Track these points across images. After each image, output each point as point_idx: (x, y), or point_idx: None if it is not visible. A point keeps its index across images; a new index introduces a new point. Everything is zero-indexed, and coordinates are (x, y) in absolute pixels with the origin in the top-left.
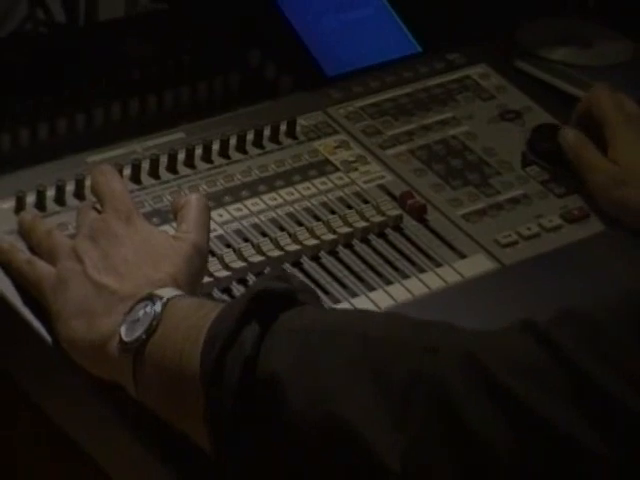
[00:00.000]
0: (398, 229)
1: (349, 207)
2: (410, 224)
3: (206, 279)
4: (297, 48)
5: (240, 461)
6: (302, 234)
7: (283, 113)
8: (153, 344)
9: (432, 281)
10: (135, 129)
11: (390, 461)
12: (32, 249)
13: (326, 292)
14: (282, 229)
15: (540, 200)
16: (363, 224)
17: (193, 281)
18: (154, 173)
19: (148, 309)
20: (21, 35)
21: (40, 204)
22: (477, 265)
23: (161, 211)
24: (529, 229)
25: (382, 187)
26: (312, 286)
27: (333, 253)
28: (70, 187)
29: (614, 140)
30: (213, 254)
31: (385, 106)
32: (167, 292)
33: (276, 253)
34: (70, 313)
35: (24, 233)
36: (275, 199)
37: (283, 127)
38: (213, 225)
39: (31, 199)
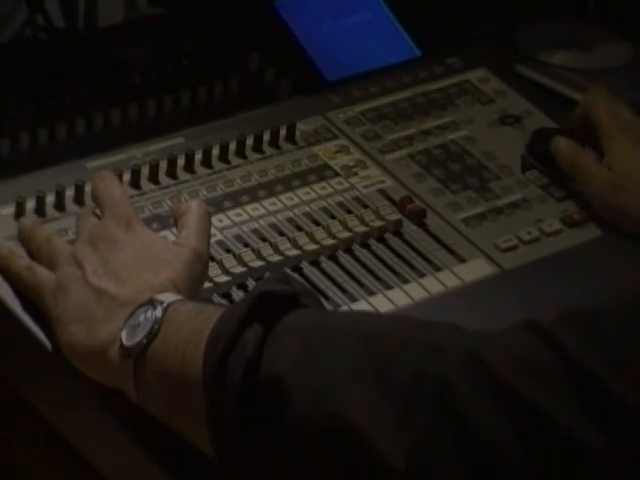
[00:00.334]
0: (398, 234)
1: (349, 212)
2: (410, 229)
3: (206, 284)
4: (296, 53)
5: (242, 464)
6: (302, 239)
7: (283, 118)
8: (154, 349)
9: (432, 286)
10: (135, 134)
11: (394, 461)
12: (32, 255)
13: (326, 297)
14: (282, 234)
15: (540, 204)
16: (363, 229)
17: (193, 287)
18: (154, 178)
19: (149, 314)
20: (20, 40)
21: (40, 210)
22: (477, 269)
23: (161, 216)
24: (529, 233)
25: (382, 192)
26: None
27: (333, 258)
28: (70, 193)
29: (611, 146)
30: (213, 259)
31: (385, 111)
32: (168, 297)
33: (276, 258)
34: (70, 319)
35: (24, 239)
36: (275, 204)
37: (283, 132)
38: (213, 230)
39: (31, 205)
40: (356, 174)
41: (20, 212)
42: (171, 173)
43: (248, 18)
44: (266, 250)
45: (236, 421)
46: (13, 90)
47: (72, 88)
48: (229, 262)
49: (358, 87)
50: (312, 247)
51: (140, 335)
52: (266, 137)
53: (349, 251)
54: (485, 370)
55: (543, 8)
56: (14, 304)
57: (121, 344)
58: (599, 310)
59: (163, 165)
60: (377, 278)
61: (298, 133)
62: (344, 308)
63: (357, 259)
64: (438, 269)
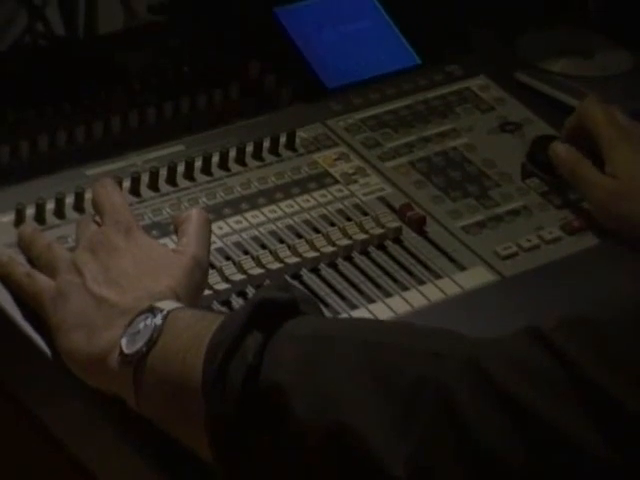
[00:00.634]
0: (398, 241)
1: (349, 219)
2: (410, 236)
3: (206, 292)
4: (297, 60)
5: (242, 471)
6: (302, 246)
7: (283, 125)
8: (154, 356)
9: (432, 293)
10: (135, 142)
11: (394, 468)
12: (32, 262)
13: (326, 304)
14: (282, 241)
15: (540, 212)
16: (363, 236)
17: (193, 294)
18: (154, 186)
19: (149, 321)
20: (21, 47)
21: (39, 217)
22: (477, 277)
23: (161, 224)
24: (529, 241)
25: (382, 199)
26: None
27: (333, 265)
28: (70, 200)
29: (612, 154)
30: (213, 266)
31: (385, 118)
32: (168, 304)
33: (276, 265)
34: (70, 326)
35: (24, 246)
36: (275, 211)
37: (283, 139)
38: (213, 238)
39: (30, 212)
40: (356, 181)
41: (20, 219)
42: (171, 180)
43: (248, 25)
44: (266, 257)
45: (236, 428)
46: (13, 97)
47: (72, 95)
48: (229, 269)
49: (358, 94)
50: (312, 254)
51: (140, 342)
52: (266, 144)
53: (349, 258)
54: (485, 377)
55: (543, 16)
56: (14, 311)
57: (121, 351)
58: (599, 317)
59: (163, 172)
60: (377, 285)
61: (298, 140)
62: (344, 315)
63: (357, 266)
64: (438, 276)
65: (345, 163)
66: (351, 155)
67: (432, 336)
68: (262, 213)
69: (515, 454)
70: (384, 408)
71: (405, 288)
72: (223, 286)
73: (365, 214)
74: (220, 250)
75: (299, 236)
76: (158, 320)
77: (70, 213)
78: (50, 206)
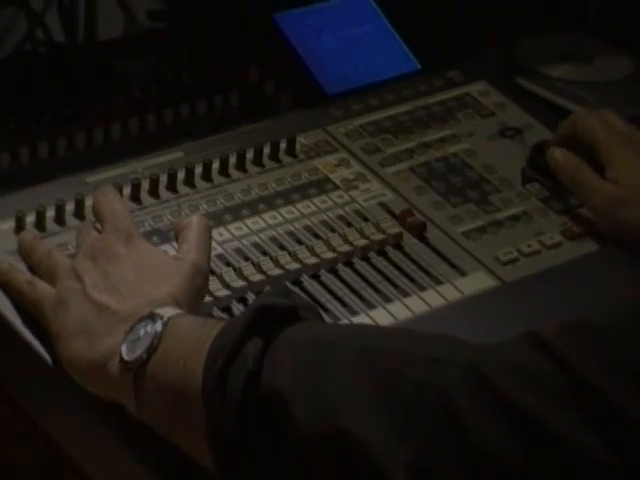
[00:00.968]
0: (398, 247)
1: (349, 225)
2: (410, 242)
3: (206, 298)
4: (297, 66)
5: (243, 477)
6: (302, 252)
7: (283, 131)
8: (154, 363)
9: (432, 299)
10: (135, 148)
11: (394, 473)
12: (32, 269)
13: (326, 310)
14: (282, 248)
15: (540, 217)
16: (363, 242)
17: (193, 301)
18: (154, 192)
19: (149, 328)
20: (21, 54)
21: (40, 224)
22: (477, 282)
23: (161, 230)
24: (529, 246)
25: (382, 205)
26: None
27: (333, 271)
28: (70, 207)
29: (611, 160)
30: (213, 273)
31: (385, 124)
32: (168, 311)
33: (276, 272)
34: (70, 333)
35: (24, 253)
36: (275, 218)
37: (283, 145)
38: (213, 244)
39: (31, 219)
40: (356, 187)
41: (20, 226)
42: (171, 187)
43: (248, 31)
44: (266, 264)
45: (236, 434)
46: (13, 104)
47: (72, 102)
48: (229, 276)
49: (358, 100)
50: (312, 260)
51: (140, 349)
52: (266, 150)
53: (349, 264)
54: (485, 383)
55: (543, 21)
56: (14, 318)
57: (121, 358)
58: (599, 322)
59: (163, 179)
60: (377, 291)
61: (298, 146)
62: (344, 321)
63: (357, 272)
64: (439, 282)
65: (345, 169)
66: (351, 161)
67: (432, 342)
68: (262, 219)
69: (515, 459)
70: (384, 414)
71: (406, 294)
72: (224, 292)
73: (366, 220)
74: (221, 256)
75: (299, 242)
76: (158, 327)
77: (70, 220)
78: (50, 213)
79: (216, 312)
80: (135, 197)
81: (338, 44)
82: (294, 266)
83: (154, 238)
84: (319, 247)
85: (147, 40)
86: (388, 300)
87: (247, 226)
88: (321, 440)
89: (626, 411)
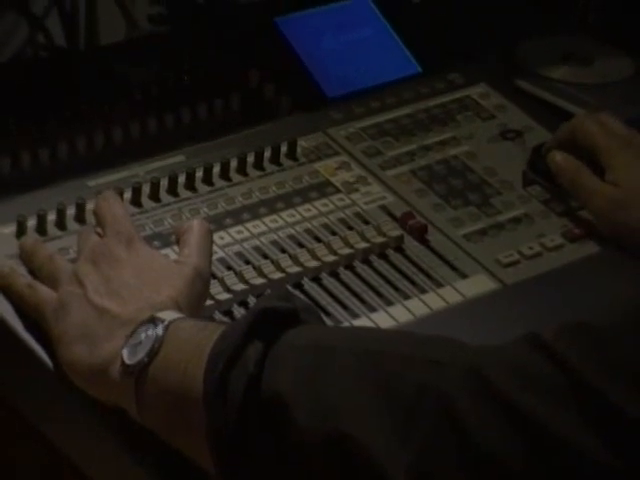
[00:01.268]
0: (399, 250)
1: (350, 228)
2: (411, 244)
3: (207, 302)
4: (297, 69)
5: None
6: (303, 256)
7: (283, 135)
8: (156, 367)
9: (433, 301)
10: (136, 152)
11: (395, 476)
12: (33, 273)
13: (327, 313)
14: (283, 251)
15: (541, 219)
16: (364, 245)
17: (194, 305)
18: (155, 196)
19: (150, 332)
20: (22, 59)
21: (41, 228)
22: (478, 285)
23: (162, 234)
24: (530, 248)
25: (383, 208)
26: None
27: (334, 274)
28: (71, 211)
29: (612, 163)
30: (214, 276)
31: (386, 127)
32: (169, 315)
33: (277, 275)
34: (71, 337)
35: (25, 257)
36: (276, 221)
37: (284, 149)
38: (214, 247)
39: (32, 223)
40: (357, 190)
41: (21, 231)
42: (172, 191)
43: (248, 35)
44: (267, 267)
45: (237, 437)
46: (14, 108)
47: (73, 106)
48: (230, 279)
49: (359, 103)
50: (313, 264)
51: (141, 353)
52: (267, 154)
53: (350, 267)
54: (486, 385)
55: (543, 23)
56: (15, 323)
57: (122, 362)
58: (600, 323)
59: (164, 183)
60: (378, 294)
61: (299, 150)
62: (345, 324)
63: (358, 275)
64: (439, 285)
65: (346, 172)
66: (352, 164)
67: (432, 344)
68: (263, 223)
69: (516, 460)
70: (385, 416)
71: (407, 297)
72: (225, 296)
73: (366, 223)
74: (222, 260)
75: (301, 245)
76: (159, 331)
77: (71, 224)
78: (51, 217)
79: (217, 315)
80: (136, 201)
81: (339, 47)
82: (295, 269)
83: (155, 242)
84: (320, 250)
85: (148, 44)
86: (389, 303)
87: (248, 230)
88: (322, 443)
89: (626, 412)
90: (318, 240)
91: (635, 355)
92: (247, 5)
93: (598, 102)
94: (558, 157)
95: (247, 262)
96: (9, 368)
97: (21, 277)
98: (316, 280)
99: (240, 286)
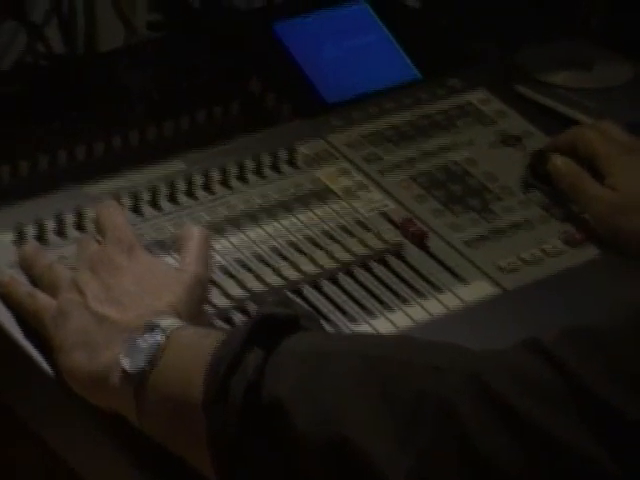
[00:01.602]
0: (399, 256)
1: (350, 234)
2: (411, 250)
3: (207, 308)
4: (297, 76)
5: None
6: (303, 262)
7: (283, 141)
8: (156, 374)
9: (433, 307)
10: (135, 159)
11: None
12: (33, 282)
13: (327, 319)
14: (283, 257)
15: (542, 225)
16: (364, 251)
17: (195, 311)
18: (155, 204)
19: (150, 339)
20: (21, 67)
21: (40, 236)
22: (479, 291)
23: (162, 242)
24: (531, 254)
25: (383, 214)
26: None
27: (334, 280)
28: (70, 219)
29: (612, 168)
30: (214, 283)
31: (386, 133)
32: (169, 322)
33: (277, 281)
34: (72, 345)
35: (25, 266)
36: (276, 228)
37: (283, 155)
38: (214, 254)
39: (31, 231)
40: (357, 197)
41: (20, 238)
42: (172, 198)
43: (248, 41)
44: (267, 274)
45: (237, 444)
46: (13, 116)
47: (72, 114)
48: (230, 286)
49: (359, 109)
50: (313, 270)
51: (142, 360)
52: (267, 161)
53: (350, 274)
54: (486, 390)
55: (544, 28)
56: (15, 330)
57: (122, 369)
58: (599, 327)
59: (164, 190)
60: (378, 300)
61: (299, 156)
62: (345, 330)
63: (358, 282)
64: (439, 290)
65: (346, 178)
66: (352, 170)
67: (432, 350)
68: (263, 229)
69: (517, 465)
70: (385, 422)
71: (407, 303)
72: (225, 303)
73: (367, 229)
74: (222, 267)
75: (301, 252)
76: (160, 338)
77: (71, 232)
78: (51, 225)
79: (217, 322)
80: (136, 209)
81: (338, 53)
82: (295, 276)
83: (155, 249)
84: (320, 257)
85: (147, 51)
86: (389, 309)
87: (248, 236)
88: (322, 449)
89: (626, 415)
90: (318, 246)
91: (634, 359)
92: (246, 11)
93: (598, 107)
94: (559, 162)
95: (247, 269)
96: (9, 376)
97: (21, 285)
98: (316, 286)
99: (240, 292)
